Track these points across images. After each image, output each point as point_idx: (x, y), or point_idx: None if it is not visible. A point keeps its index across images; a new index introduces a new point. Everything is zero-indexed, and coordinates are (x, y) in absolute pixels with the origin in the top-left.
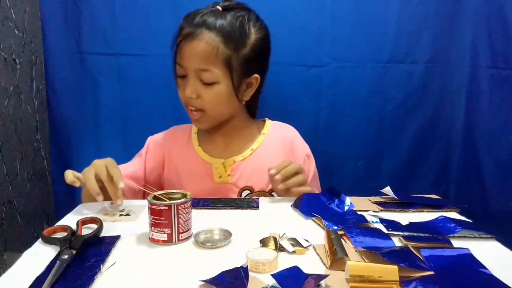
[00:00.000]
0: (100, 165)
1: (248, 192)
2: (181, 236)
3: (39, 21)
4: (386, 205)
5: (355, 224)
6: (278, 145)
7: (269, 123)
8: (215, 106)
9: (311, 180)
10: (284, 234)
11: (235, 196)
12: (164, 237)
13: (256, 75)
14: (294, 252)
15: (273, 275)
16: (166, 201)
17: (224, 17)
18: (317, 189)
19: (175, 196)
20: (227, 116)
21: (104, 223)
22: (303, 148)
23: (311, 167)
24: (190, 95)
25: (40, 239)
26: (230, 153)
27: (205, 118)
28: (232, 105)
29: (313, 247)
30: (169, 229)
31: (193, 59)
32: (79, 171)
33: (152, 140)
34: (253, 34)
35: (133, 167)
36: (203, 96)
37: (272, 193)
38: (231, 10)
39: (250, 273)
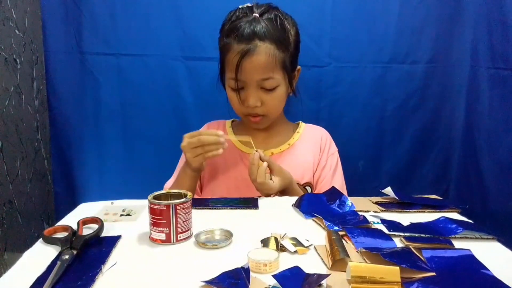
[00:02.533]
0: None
1: None
2: (180, 236)
3: (39, 21)
4: (387, 206)
5: (356, 225)
6: (311, 143)
7: (303, 124)
8: (277, 109)
9: (332, 174)
10: (285, 234)
11: None
12: (162, 236)
13: (299, 66)
14: (296, 252)
15: (274, 276)
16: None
17: (266, 23)
18: (340, 183)
19: (176, 196)
20: (279, 116)
21: (105, 223)
22: (330, 148)
23: (333, 162)
24: (255, 104)
25: (40, 239)
26: (268, 145)
27: (265, 120)
28: (285, 102)
29: (314, 247)
30: (167, 229)
31: (256, 72)
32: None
33: None
34: (291, 30)
35: None
36: (267, 102)
37: (306, 187)
38: (265, 13)
39: (251, 273)
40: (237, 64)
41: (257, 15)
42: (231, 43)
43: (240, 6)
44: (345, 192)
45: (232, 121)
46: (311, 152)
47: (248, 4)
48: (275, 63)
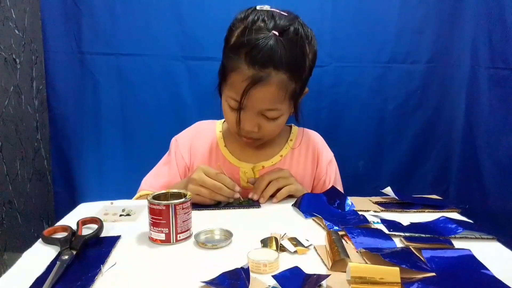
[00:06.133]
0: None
1: None
2: (179, 236)
3: (39, 21)
4: (387, 205)
5: (356, 225)
6: (305, 152)
7: (295, 129)
8: (274, 134)
9: (334, 184)
10: (285, 234)
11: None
12: (162, 236)
13: (307, 89)
14: (295, 252)
15: (274, 276)
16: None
17: (286, 47)
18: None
19: (176, 196)
20: None
21: (104, 223)
22: (326, 156)
23: (332, 174)
24: (252, 130)
25: (40, 239)
26: (259, 158)
27: (259, 142)
28: (284, 125)
29: (314, 247)
30: (167, 229)
31: (262, 102)
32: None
33: (176, 141)
34: (310, 54)
35: (167, 177)
36: (264, 128)
37: None
38: (286, 31)
39: (251, 273)
40: (244, 89)
41: (277, 33)
42: (240, 62)
43: (258, 8)
44: None
45: (224, 122)
46: (306, 162)
47: (267, 9)
48: (284, 95)
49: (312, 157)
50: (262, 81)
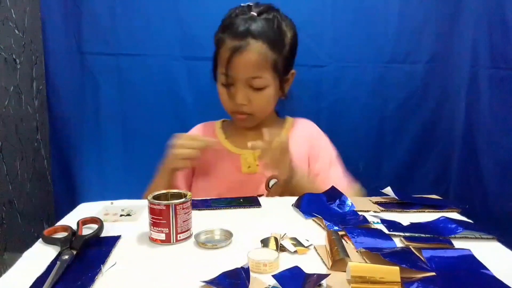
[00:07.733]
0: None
1: (276, 180)
2: (180, 236)
3: (39, 21)
4: (387, 206)
5: (356, 225)
6: (300, 138)
7: (290, 119)
8: (264, 109)
9: (329, 166)
10: (285, 234)
11: (263, 185)
12: (162, 236)
13: (293, 71)
14: (295, 252)
15: (274, 276)
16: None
17: (262, 22)
18: (339, 174)
19: (176, 195)
20: (268, 114)
21: (104, 223)
22: (319, 140)
23: (326, 155)
24: (242, 102)
25: (40, 239)
26: None
27: (252, 119)
28: (275, 104)
29: (314, 247)
30: (167, 229)
31: (246, 69)
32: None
33: None
34: (288, 33)
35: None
36: (254, 101)
37: None
38: (264, 13)
39: (251, 273)
40: (228, 59)
41: (255, 14)
42: (224, 38)
43: (242, 4)
44: (346, 183)
45: (223, 121)
46: (300, 148)
47: (250, 3)
48: (265, 63)
49: (307, 143)
50: (242, 48)
